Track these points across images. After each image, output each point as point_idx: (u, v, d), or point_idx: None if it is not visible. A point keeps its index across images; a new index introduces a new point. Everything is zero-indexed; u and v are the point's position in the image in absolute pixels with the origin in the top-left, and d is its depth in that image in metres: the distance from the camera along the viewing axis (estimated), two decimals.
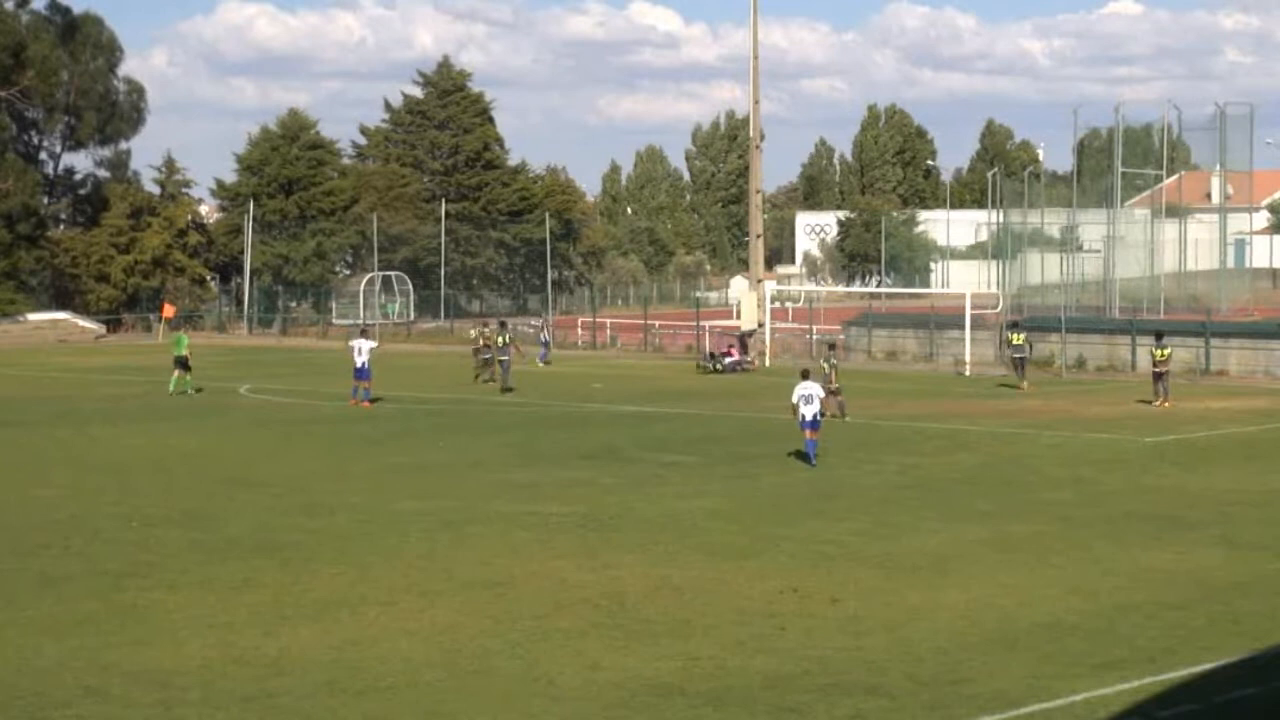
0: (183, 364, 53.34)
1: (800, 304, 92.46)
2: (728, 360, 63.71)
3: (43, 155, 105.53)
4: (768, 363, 66.68)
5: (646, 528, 26.79)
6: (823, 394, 35.99)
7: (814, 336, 72.98)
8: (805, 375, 35.32)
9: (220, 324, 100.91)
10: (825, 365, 44.99)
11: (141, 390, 55.88)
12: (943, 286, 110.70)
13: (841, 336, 55.23)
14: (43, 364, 70.87)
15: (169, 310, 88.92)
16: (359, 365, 49.60)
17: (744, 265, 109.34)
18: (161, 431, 43.30)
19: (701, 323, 75.30)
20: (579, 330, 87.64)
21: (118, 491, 32.17)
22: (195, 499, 30.83)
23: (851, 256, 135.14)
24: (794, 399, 34.17)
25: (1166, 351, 47.96)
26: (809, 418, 33.99)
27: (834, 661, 17.17)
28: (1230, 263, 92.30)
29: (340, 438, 42.68)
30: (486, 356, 57.63)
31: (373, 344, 51.47)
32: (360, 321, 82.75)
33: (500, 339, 56.01)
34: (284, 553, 24.60)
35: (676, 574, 22.32)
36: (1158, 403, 46.94)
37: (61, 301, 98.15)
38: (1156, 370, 47.89)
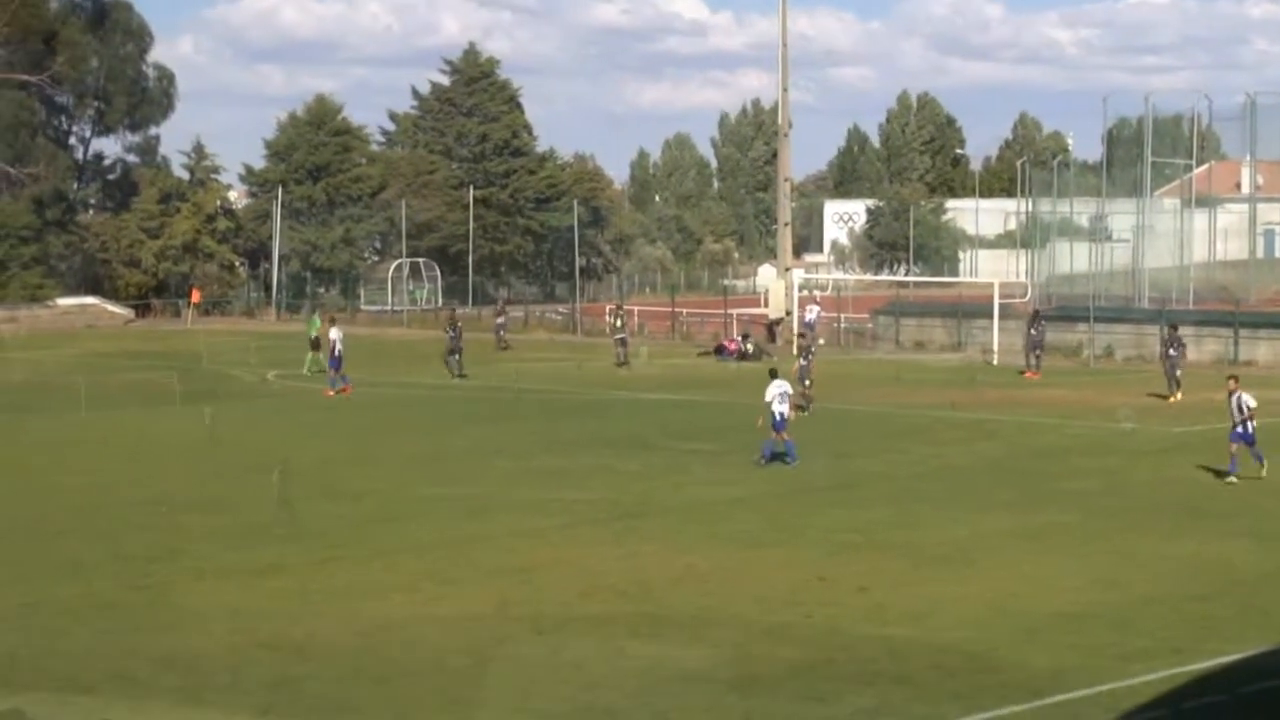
0: (316, 345, 54.77)
1: (828, 292, 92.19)
2: (725, 352, 63.46)
3: (72, 140, 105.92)
4: (794, 349, 66.45)
5: (671, 515, 26.81)
6: (792, 391, 35.45)
7: (842, 325, 72.80)
8: (774, 374, 35.01)
9: (248, 310, 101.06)
10: (802, 361, 44.87)
11: (165, 376, 56.01)
12: (971, 275, 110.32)
13: (821, 341, 54.45)
14: (70, 350, 70.99)
15: (197, 295, 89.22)
16: (337, 354, 49.98)
17: (772, 254, 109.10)
18: (186, 417, 43.35)
19: (729, 311, 75.10)
20: (606, 318, 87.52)
21: (143, 477, 32.26)
22: (221, 485, 30.91)
23: (880, 245, 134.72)
24: (768, 397, 33.70)
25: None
26: (780, 417, 33.59)
27: (859, 650, 17.15)
28: (1260, 253, 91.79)
29: (364, 424, 42.72)
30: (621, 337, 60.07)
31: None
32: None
33: (616, 321, 60.14)
34: (309, 539, 24.68)
35: (701, 561, 22.34)
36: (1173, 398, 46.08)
37: (91, 287, 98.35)
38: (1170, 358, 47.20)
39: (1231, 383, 31.30)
